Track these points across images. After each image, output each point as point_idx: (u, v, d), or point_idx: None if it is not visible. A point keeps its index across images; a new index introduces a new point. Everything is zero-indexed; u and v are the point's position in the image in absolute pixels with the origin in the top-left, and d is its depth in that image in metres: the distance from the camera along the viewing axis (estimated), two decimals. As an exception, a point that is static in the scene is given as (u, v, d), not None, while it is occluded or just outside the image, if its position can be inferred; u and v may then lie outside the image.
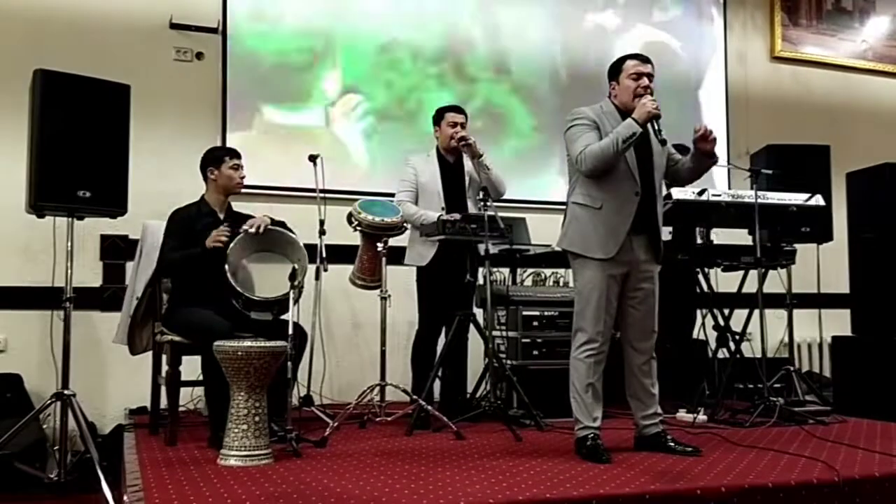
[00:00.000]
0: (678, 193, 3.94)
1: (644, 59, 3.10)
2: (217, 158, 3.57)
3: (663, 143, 2.96)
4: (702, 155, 3.11)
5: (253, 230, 3.37)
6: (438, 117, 4.14)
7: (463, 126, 4.05)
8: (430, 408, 3.63)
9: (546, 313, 4.12)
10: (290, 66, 4.90)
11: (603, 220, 3.02)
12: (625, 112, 3.04)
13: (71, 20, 4.50)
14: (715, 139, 3.08)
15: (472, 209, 3.98)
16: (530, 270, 4.53)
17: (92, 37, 4.51)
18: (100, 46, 4.49)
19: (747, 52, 6.03)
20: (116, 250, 4.45)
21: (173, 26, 4.65)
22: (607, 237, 3.00)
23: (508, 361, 4.04)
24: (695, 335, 4.59)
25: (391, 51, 5.14)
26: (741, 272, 4.40)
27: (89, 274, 4.41)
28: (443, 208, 3.95)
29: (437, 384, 3.95)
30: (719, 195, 4.09)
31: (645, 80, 3.05)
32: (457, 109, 4.13)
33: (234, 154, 3.60)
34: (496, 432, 3.56)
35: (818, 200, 4.29)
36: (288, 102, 4.88)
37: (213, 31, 4.71)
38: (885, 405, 4.22)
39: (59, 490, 3.42)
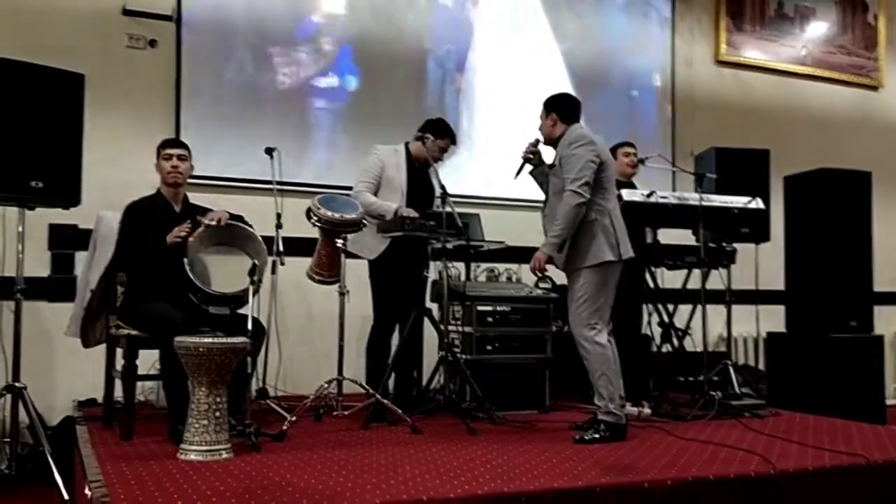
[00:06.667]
0: (628, 195, 4.08)
1: None
2: (157, 150, 3.56)
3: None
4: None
5: (214, 223, 3.37)
6: (437, 132, 4.02)
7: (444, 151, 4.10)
8: (386, 402, 3.69)
9: (499, 309, 4.21)
10: (245, 55, 4.86)
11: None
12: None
13: (17, 5, 4.37)
14: None
15: None
16: (484, 266, 4.61)
17: (40, 23, 4.39)
18: (48, 33, 4.37)
19: (693, 55, 6.22)
20: (65, 240, 4.37)
21: (126, 13, 4.57)
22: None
23: (462, 356, 4.13)
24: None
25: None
26: (684, 270, 4.58)
27: (36, 263, 4.31)
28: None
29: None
30: (666, 197, 4.26)
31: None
32: (453, 139, 4.11)
33: (169, 144, 3.58)
34: (450, 425, 3.64)
35: (758, 203, 4.50)
36: (244, 92, 4.84)
37: (167, 18, 4.64)
38: (816, 399, 4.46)
39: (10, 483, 3.39)
